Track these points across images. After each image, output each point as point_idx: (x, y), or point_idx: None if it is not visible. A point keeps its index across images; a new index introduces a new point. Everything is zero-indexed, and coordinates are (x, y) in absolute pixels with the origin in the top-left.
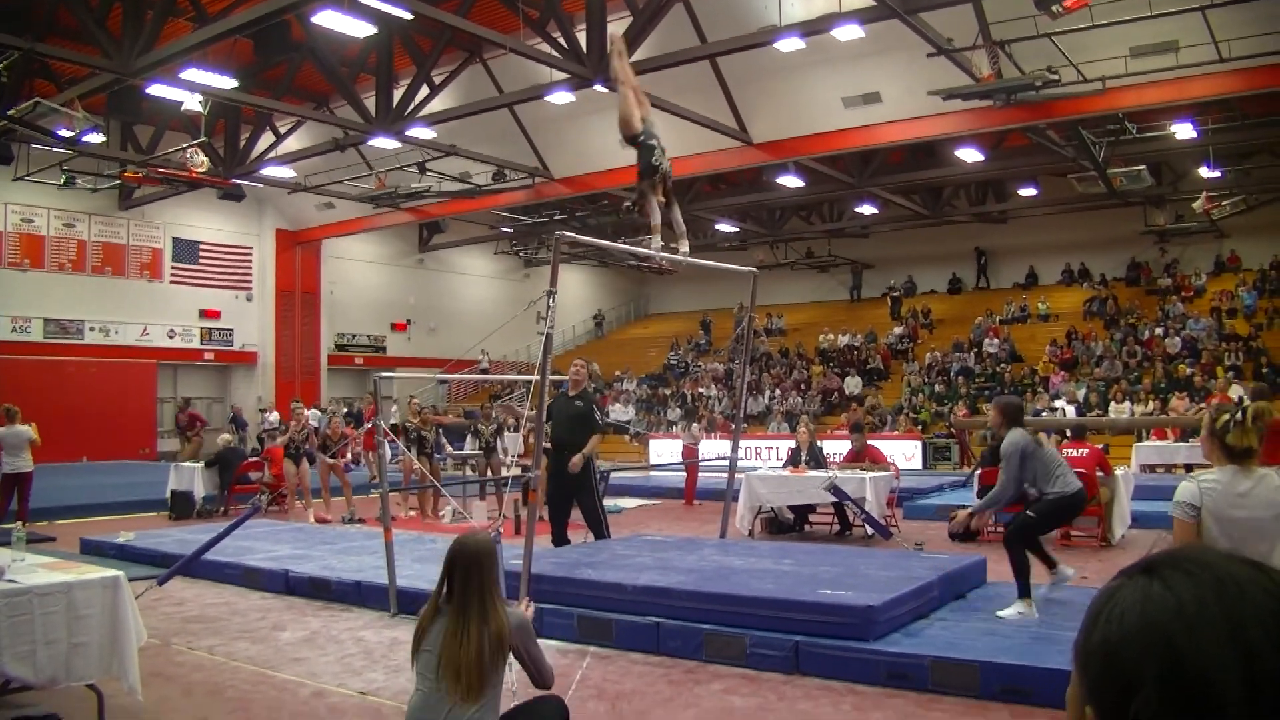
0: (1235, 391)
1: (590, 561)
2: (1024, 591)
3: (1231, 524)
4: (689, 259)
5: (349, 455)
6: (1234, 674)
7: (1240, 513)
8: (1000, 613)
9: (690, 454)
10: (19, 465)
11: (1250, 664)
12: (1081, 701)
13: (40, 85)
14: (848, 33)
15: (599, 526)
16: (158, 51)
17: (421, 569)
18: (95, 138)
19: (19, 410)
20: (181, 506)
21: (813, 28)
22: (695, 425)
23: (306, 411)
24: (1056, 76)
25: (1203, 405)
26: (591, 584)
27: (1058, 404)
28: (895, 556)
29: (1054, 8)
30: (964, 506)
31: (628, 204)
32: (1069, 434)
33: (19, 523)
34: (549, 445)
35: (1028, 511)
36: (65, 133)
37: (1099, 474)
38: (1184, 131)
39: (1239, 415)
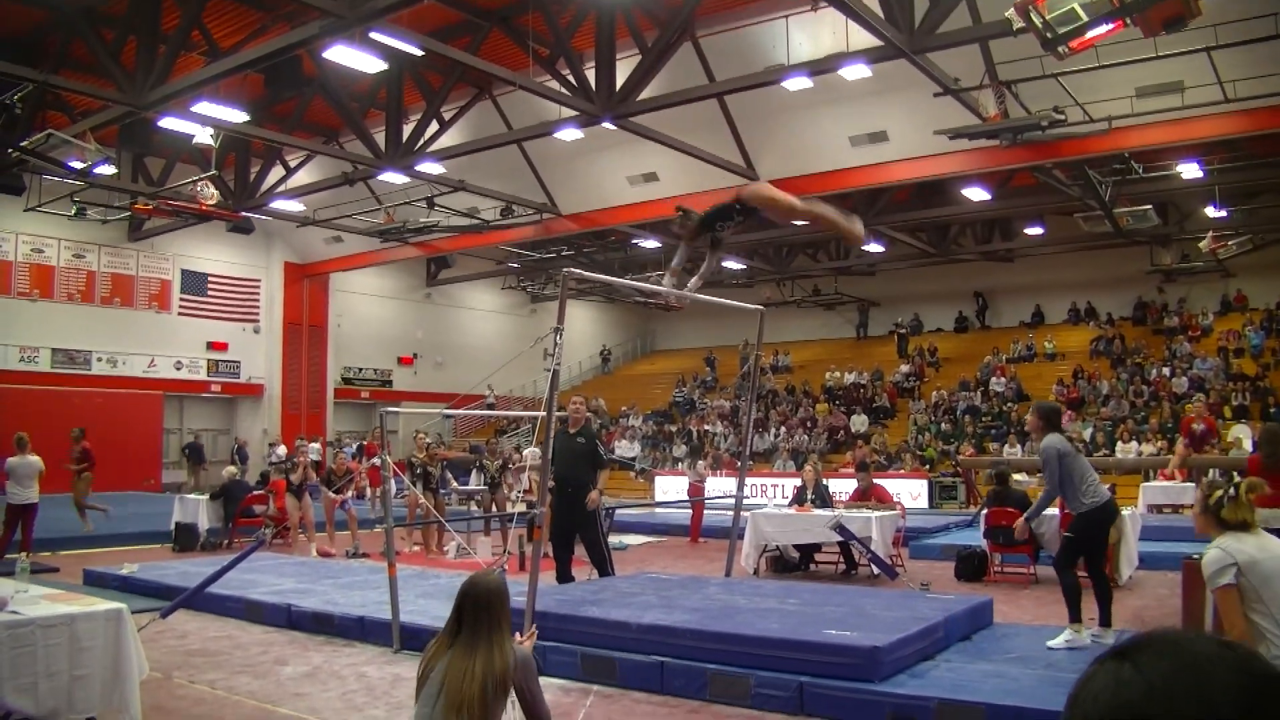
0: (1238, 432)
1: (594, 599)
2: (1074, 617)
3: (1262, 578)
4: (696, 296)
5: (351, 491)
6: None
7: (1266, 566)
8: (1050, 642)
9: (696, 491)
10: (26, 496)
11: None
12: None
13: (53, 117)
14: (855, 72)
15: (603, 564)
16: (170, 85)
17: (425, 605)
18: (106, 170)
19: (29, 439)
20: (186, 539)
21: (820, 67)
22: (701, 462)
23: (310, 445)
24: (1063, 116)
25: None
26: (595, 621)
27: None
28: (901, 597)
29: (1060, 48)
30: (971, 547)
31: (678, 218)
32: None
33: (23, 554)
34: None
35: (1067, 534)
36: (77, 164)
37: None
38: (1190, 171)
39: (1232, 491)
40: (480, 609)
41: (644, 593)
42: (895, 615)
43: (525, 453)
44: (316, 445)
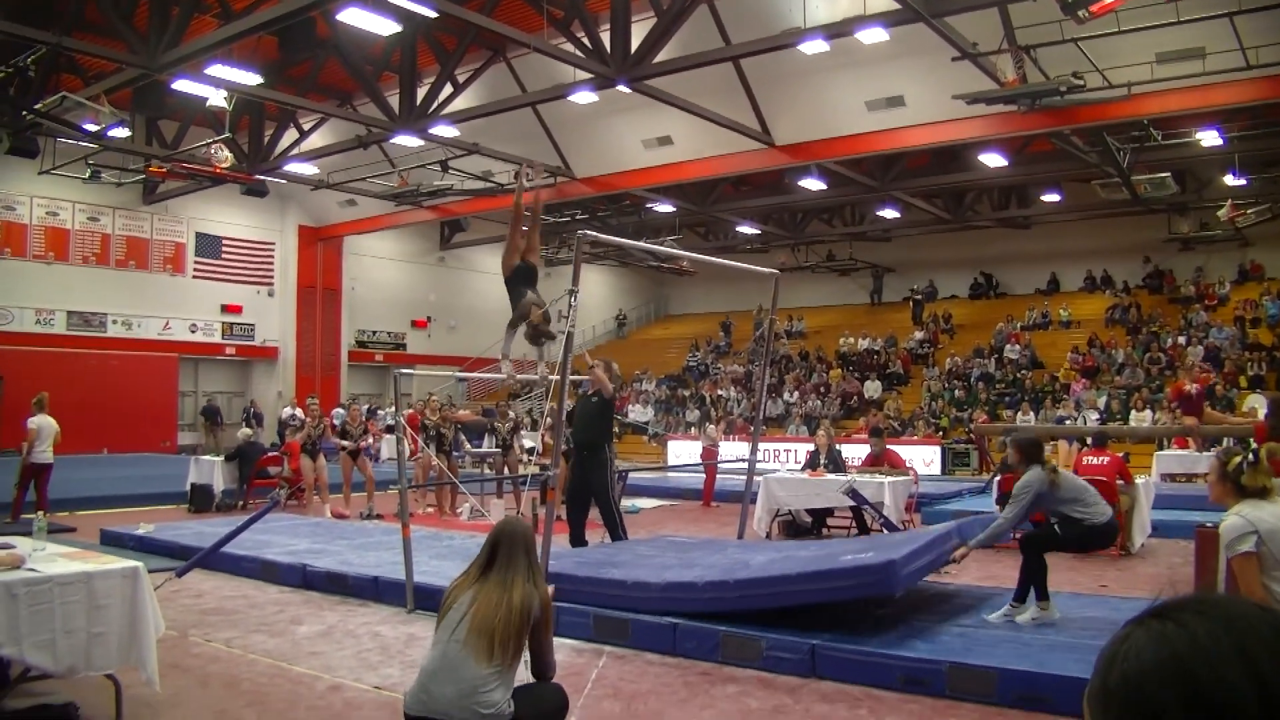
0: (1254, 402)
1: (613, 560)
2: (1041, 594)
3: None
4: (709, 259)
5: (369, 442)
6: (1250, 698)
7: None
8: (1018, 618)
9: (709, 455)
10: (43, 456)
11: (1263, 689)
12: None
13: (67, 80)
14: (872, 36)
15: (614, 527)
16: (183, 47)
17: (439, 565)
18: (121, 132)
19: (48, 399)
20: (201, 499)
21: (837, 30)
22: (712, 427)
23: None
24: (1082, 82)
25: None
26: (615, 583)
27: (1084, 411)
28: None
29: (1080, 13)
30: (983, 514)
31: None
32: (1090, 441)
33: (40, 513)
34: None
35: (1055, 527)
36: (91, 127)
37: (1119, 482)
38: (1209, 138)
39: (1251, 458)
40: (516, 546)
41: (662, 554)
42: (907, 538)
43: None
44: (340, 411)
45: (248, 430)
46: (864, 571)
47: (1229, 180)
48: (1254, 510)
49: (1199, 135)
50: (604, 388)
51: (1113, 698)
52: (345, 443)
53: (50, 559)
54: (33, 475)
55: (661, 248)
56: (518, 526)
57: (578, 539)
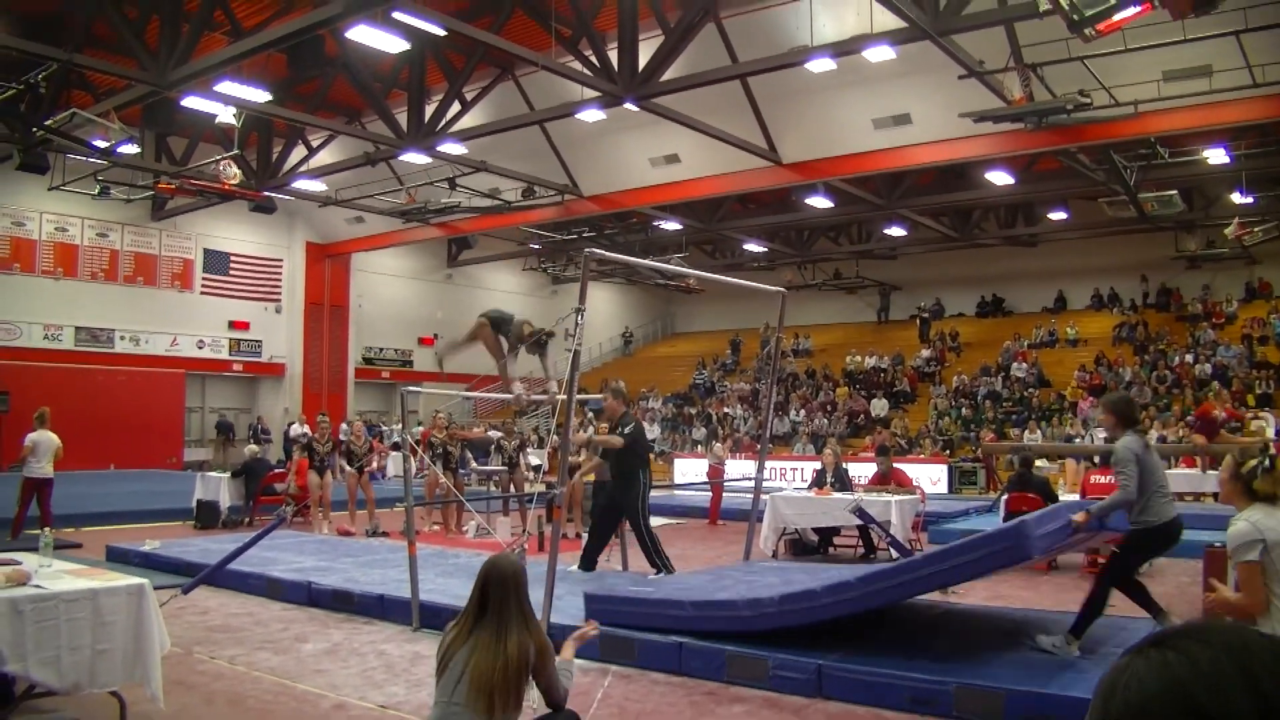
0: (1261, 420)
1: (713, 586)
2: (1077, 629)
3: None
4: (716, 278)
5: (375, 464)
6: None
7: None
8: (1040, 639)
9: (715, 474)
10: (44, 471)
11: (1267, 712)
12: None
13: (77, 96)
14: (879, 54)
15: (649, 553)
16: (193, 64)
17: (445, 583)
18: (130, 149)
19: (49, 415)
20: (207, 516)
21: (844, 49)
22: (719, 445)
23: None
24: (1088, 100)
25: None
26: (722, 603)
27: (1092, 430)
28: None
29: (1087, 31)
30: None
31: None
32: (1097, 460)
33: (45, 529)
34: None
35: (1116, 550)
36: (101, 144)
37: None
38: (1217, 156)
39: (1266, 463)
40: (506, 590)
41: (762, 575)
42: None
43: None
44: (344, 426)
45: (254, 447)
46: (998, 538)
47: (1236, 198)
48: (1264, 518)
49: (1206, 153)
50: (610, 442)
51: None
52: (347, 466)
53: (56, 575)
54: (33, 491)
55: (669, 266)
56: (505, 567)
57: (588, 563)
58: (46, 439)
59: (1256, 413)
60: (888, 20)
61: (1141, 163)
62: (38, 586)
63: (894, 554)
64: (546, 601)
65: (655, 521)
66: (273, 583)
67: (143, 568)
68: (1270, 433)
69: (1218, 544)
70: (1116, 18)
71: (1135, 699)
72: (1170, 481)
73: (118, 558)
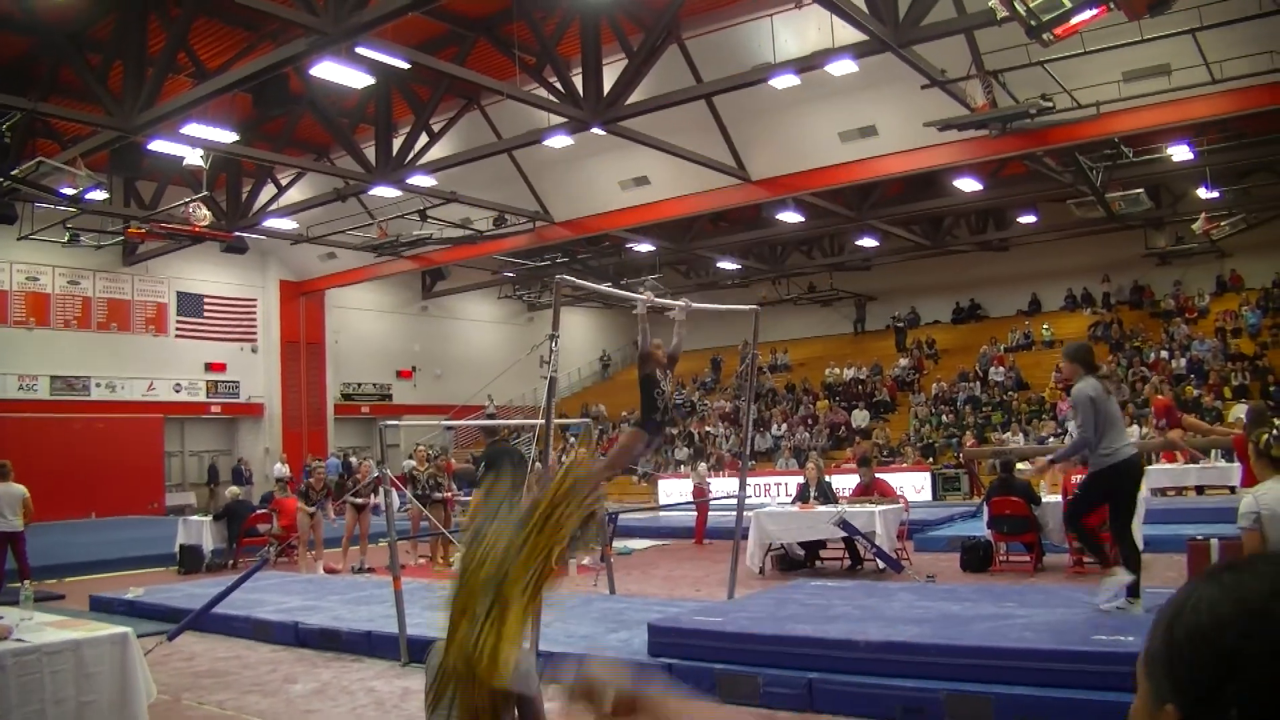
0: (1239, 412)
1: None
2: (1104, 562)
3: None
4: (691, 305)
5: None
6: None
7: None
8: (1101, 604)
9: (700, 493)
10: (11, 524)
11: None
12: (1153, 709)
13: (43, 144)
14: (841, 68)
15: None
16: (159, 108)
17: (432, 617)
18: (98, 195)
19: (11, 467)
20: (190, 560)
21: (806, 64)
22: (703, 464)
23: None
24: (1051, 104)
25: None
26: (810, 640)
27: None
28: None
29: (1045, 36)
30: (975, 538)
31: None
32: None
33: (25, 581)
34: None
35: (1083, 502)
36: (69, 191)
37: None
38: (1180, 153)
39: (1276, 431)
40: None
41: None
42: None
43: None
44: (335, 461)
45: (236, 489)
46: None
47: (1202, 193)
48: (1266, 491)
49: (1170, 150)
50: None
51: (1179, 653)
52: (358, 500)
53: (38, 628)
54: (5, 544)
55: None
56: None
57: None
58: (8, 491)
59: (1229, 405)
60: (849, 34)
61: (1107, 163)
62: (19, 640)
63: (880, 564)
64: (534, 629)
65: (640, 544)
66: (259, 624)
67: (127, 616)
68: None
69: (1200, 536)
70: (1073, 21)
71: (1206, 624)
72: (1151, 478)
73: (102, 607)
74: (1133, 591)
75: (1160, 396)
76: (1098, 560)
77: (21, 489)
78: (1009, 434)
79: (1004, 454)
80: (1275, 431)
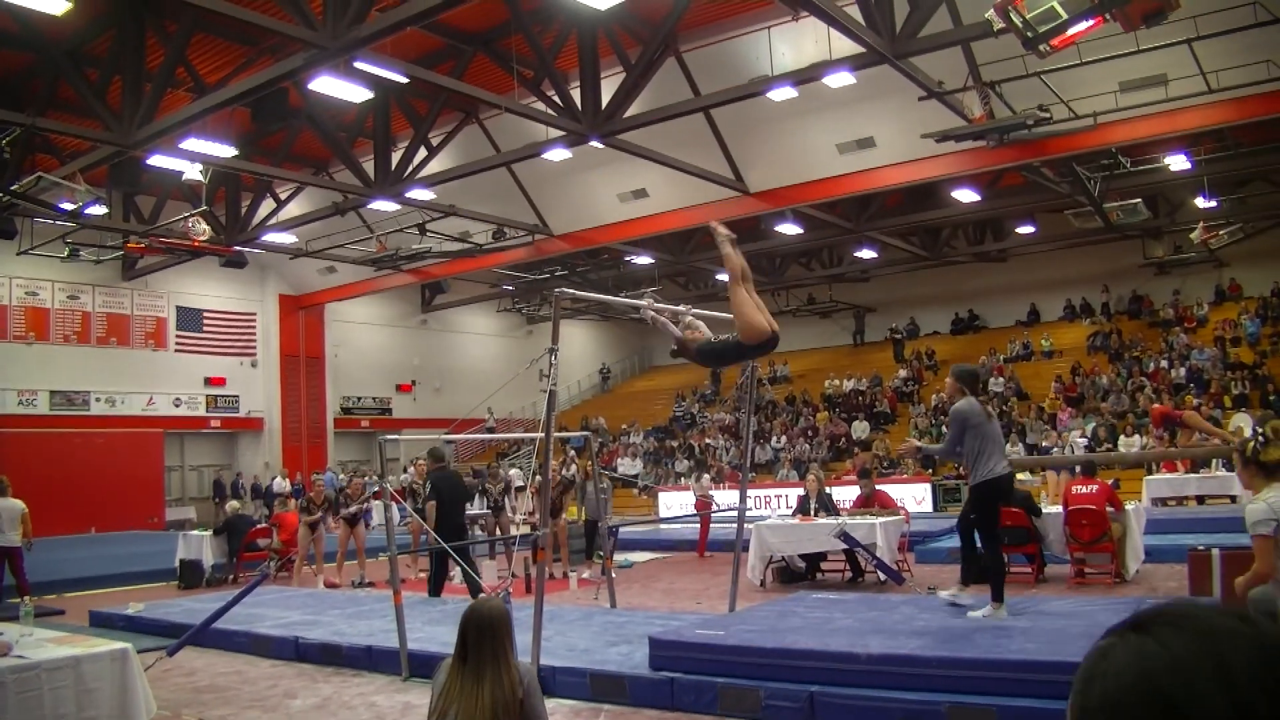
0: (1239, 421)
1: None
2: (997, 596)
3: None
4: (694, 311)
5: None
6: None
7: None
8: (970, 614)
9: (703, 506)
10: (10, 540)
11: (1242, 709)
12: None
13: (42, 160)
14: (839, 80)
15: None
16: (158, 123)
17: (433, 631)
18: (98, 210)
19: (9, 483)
20: (190, 575)
21: (804, 76)
22: (705, 476)
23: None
24: (1048, 114)
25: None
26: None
27: (1072, 436)
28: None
29: (1041, 47)
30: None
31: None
32: (1079, 470)
33: (25, 597)
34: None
35: (970, 516)
36: (68, 206)
37: (1109, 510)
38: (1178, 163)
39: (1261, 438)
40: (484, 635)
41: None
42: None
43: (511, 472)
44: (331, 475)
45: (235, 503)
46: None
47: (1200, 203)
48: (1276, 497)
49: (1167, 160)
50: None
51: (1093, 715)
52: (347, 510)
53: (38, 644)
54: (1, 560)
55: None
56: (483, 611)
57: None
58: (7, 506)
59: (1229, 415)
60: (846, 46)
61: (1104, 173)
62: (19, 656)
63: (881, 576)
64: (535, 643)
65: (641, 556)
66: (259, 639)
67: (127, 631)
68: (1248, 433)
69: (1201, 547)
70: (1069, 32)
71: (1111, 691)
72: (1152, 487)
73: (102, 622)
74: (998, 599)
75: (1157, 405)
76: (960, 579)
77: (20, 504)
78: (1008, 445)
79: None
80: (1261, 438)
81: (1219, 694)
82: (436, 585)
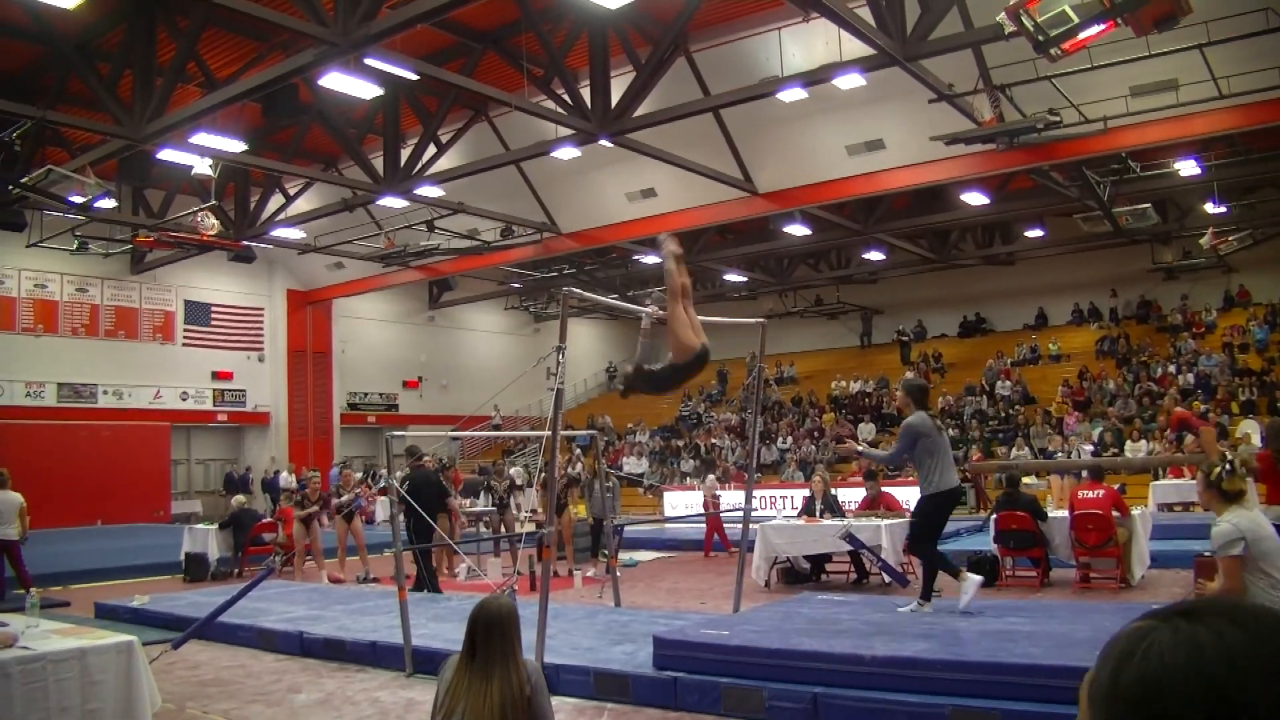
0: (1247, 427)
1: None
2: (925, 594)
3: (1263, 552)
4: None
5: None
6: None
7: (1266, 543)
8: (897, 610)
9: (713, 505)
10: (8, 533)
11: None
12: None
13: (52, 153)
14: (849, 81)
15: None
16: (168, 117)
17: (437, 628)
18: (107, 203)
19: (9, 475)
20: (196, 569)
21: (814, 77)
22: (711, 476)
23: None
24: (1058, 118)
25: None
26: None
27: (1077, 444)
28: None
29: (1052, 50)
30: (982, 552)
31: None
32: (1085, 475)
33: (32, 589)
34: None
35: (912, 518)
36: (78, 199)
37: (1115, 515)
38: (1187, 168)
39: (1228, 466)
40: (492, 633)
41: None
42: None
43: (512, 471)
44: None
45: (241, 497)
46: None
47: (1209, 208)
48: (1241, 519)
49: (1177, 165)
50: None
51: (1123, 698)
52: (339, 500)
53: (44, 636)
54: (1, 553)
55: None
56: (491, 609)
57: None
58: (5, 499)
59: (1236, 421)
60: (857, 48)
61: (1114, 177)
62: (25, 648)
63: (886, 579)
64: (539, 641)
65: (646, 555)
66: (264, 634)
67: (132, 624)
68: (1256, 440)
69: (1208, 553)
70: (1080, 36)
71: (1154, 673)
72: (1159, 492)
73: (107, 614)
74: (925, 596)
75: (1179, 409)
76: (948, 573)
77: (18, 497)
78: (1015, 448)
79: (1010, 468)
80: (1228, 465)
81: (1272, 688)
82: (432, 582)
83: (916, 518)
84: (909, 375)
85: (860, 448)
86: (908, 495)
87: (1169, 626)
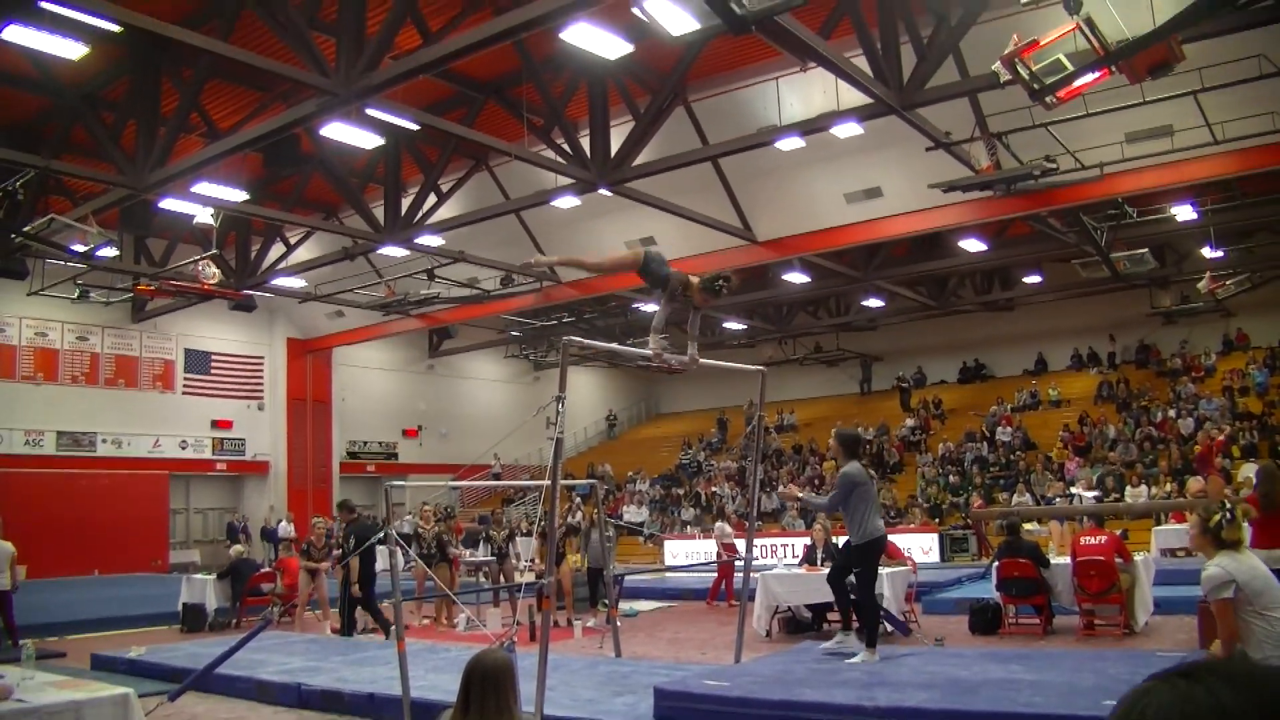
0: (1248, 471)
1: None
2: (870, 642)
3: (1256, 592)
4: (699, 360)
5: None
6: None
7: (1258, 584)
8: (848, 661)
9: (728, 551)
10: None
11: None
12: None
13: (55, 201)
14: (847, 130)
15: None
16: (170, 167)
17: (436, 679)
18: (109, 252)
19: (0, 523)
20: (193, 619)
21: (812, 126)
22: (722, 523)
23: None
24: (1054, 165)
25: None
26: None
27: (1075, 490)
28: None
29: (1047, 99)
30: (984, 600)
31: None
32: (1087, 521)
33: (27, 641)
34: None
35: (854, 571)
36: (79, 248)
37: (1118, 561)
38: (1184, 213)
39: (1228, 515)
40: (487, 687)
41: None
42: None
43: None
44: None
45: (240, 547)
46: None
47: (1206, 253)
48: (1231, 562)
49: (1173, 210)
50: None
51: None
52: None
53: (39, 688)
54: None
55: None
56: (487, 662)
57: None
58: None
59: (1238, 465)
60: (854, 97)
61: (1111, 223)
62: (20, 700)
63: (888, 627)
64: (539, 693)
65: (646, 605)
66: (262, 685)
67: (129, 675)
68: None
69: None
70: (1075, 84)
71: None
72: (1161, 538)
73: (103, 666)
74: (869, 643)
75: (1219, 438)
76: (843, 627)
77: (9, 547)
78: (1016, 494)
79: (1011, 515)
80: (1228, 514)
81: None
82: (348, 628)
83: (856, 567)
84: (840, 426)
85: (800, 494)
86: (908, 543)
87: (1168, 685)
